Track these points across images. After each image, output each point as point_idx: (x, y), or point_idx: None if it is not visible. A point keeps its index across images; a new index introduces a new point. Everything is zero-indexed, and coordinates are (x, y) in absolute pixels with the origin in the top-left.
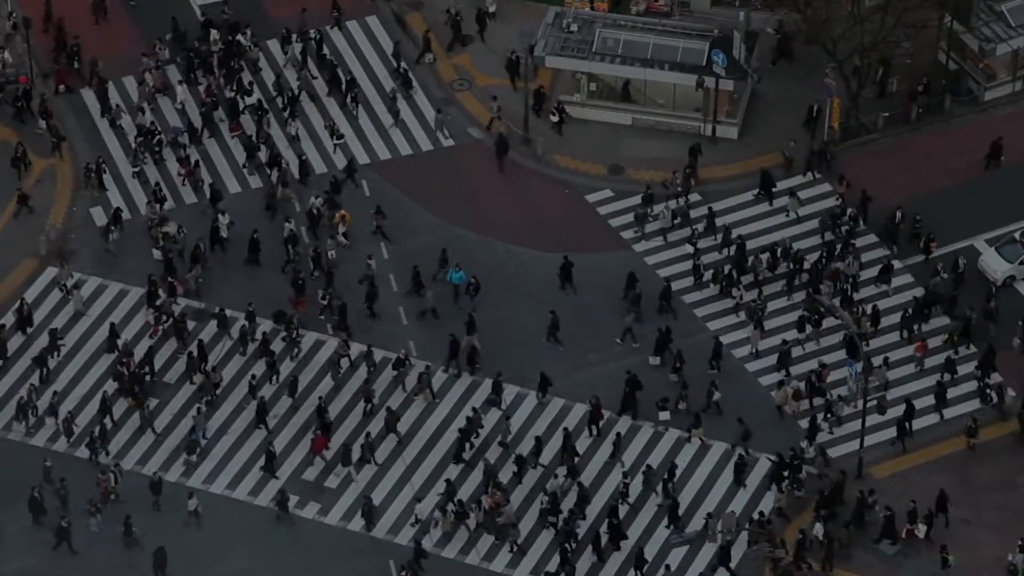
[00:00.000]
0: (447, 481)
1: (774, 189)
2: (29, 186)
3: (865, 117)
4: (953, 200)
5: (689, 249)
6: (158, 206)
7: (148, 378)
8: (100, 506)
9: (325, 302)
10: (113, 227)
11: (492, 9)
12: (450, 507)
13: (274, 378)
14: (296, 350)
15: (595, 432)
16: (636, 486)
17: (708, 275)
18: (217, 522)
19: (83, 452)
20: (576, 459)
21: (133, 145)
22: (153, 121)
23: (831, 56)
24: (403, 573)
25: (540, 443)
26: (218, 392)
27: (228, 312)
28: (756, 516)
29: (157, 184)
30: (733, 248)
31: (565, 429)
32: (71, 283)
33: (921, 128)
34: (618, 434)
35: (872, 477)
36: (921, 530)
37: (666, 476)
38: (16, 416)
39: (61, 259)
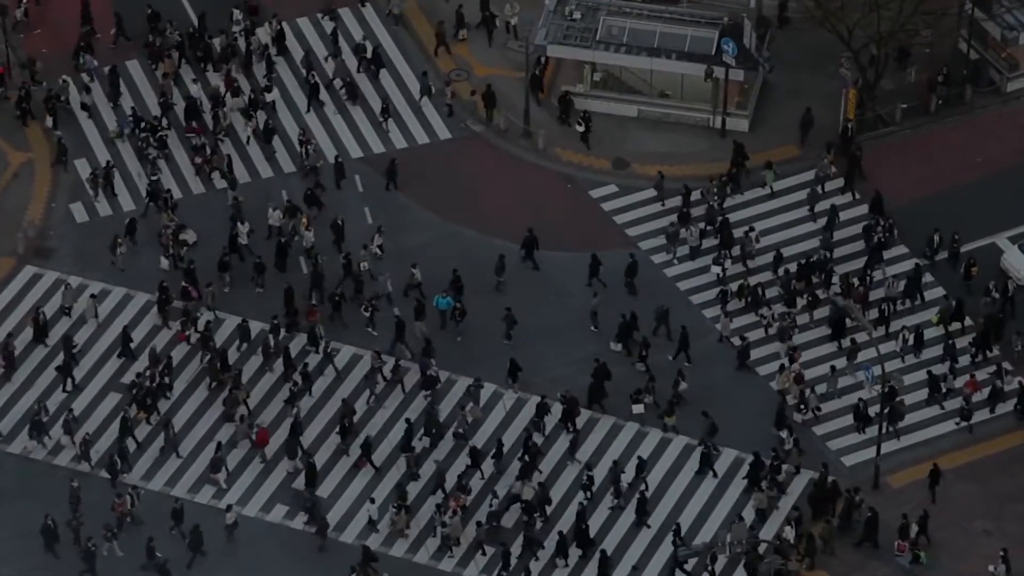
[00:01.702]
0: (399, 485)
1: (747, 161)
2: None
3: (882, 109)
4: (974, 195)
5: (716, 269)
6: (173, 212)
7: (168, 387)
8: (116, 531)
9: (368, 313)
10: (122, 240)
11: (513, 22)
12: (397, 504)
13: (307, 392)
14: (324, 361)
15: (571, 428)
16: (609, 484)
17: (733, 291)
18: (208, 535)
19: (69, 460)
20: (539, 458)
21: (138, 144)
22: (156, 116)
23: (846, 45)
24: (353, 575)
25: (502, 445)
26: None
27: (250, 323)
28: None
29: (168, 191)
30: (719, 227)
31: (526, 430)
32: (87, 293)
33: (941, 120)
34: (576, 430)
35: (889, 486)
36: (913, 532)
37: (634, 472)
38: (30, 433)
39: (65, 284)
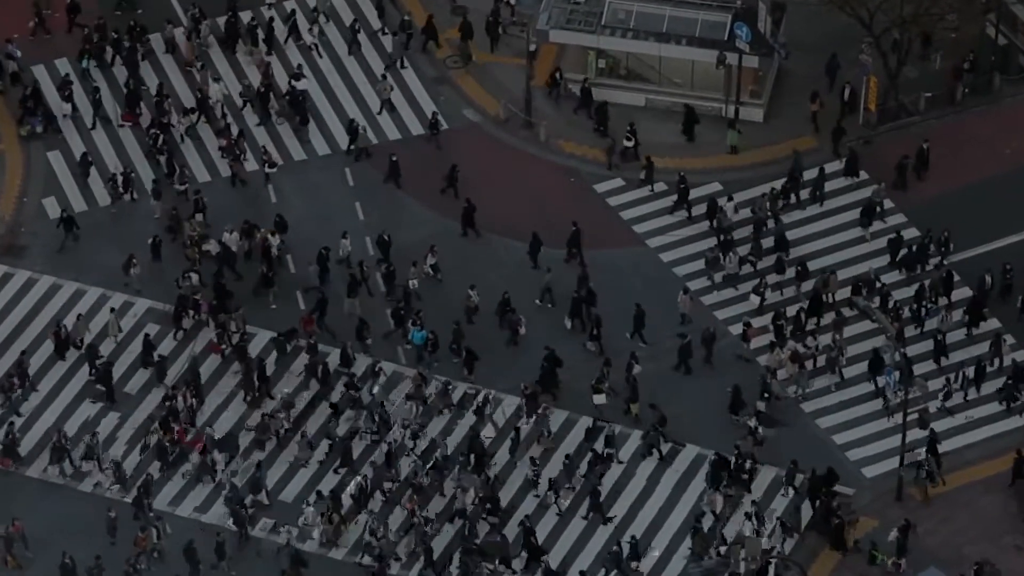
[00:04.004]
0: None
1: (697, 125)
2: None
3: (905, 98)
4: (1002, 189)
5: (756, 299)
6: (200, 217)
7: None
8: (140, 567)
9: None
10: (136, 260)
11: (533, 47)
12: (319, 504)
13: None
14: (371, 383)
15: (532, 422)
16: (561, 481)
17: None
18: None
19: (103, 488)
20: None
21: (148, 140)
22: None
23: (867, 30)
24: None
25: (445, 447)
26: (281, 435)
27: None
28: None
29: (198, 191)
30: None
31: (472, 428)
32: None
33: (967, 110)
34: (517, 428)
35: (913, 499)
36: (899, 565)
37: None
38: (52, 459)
39: (77, 315)
